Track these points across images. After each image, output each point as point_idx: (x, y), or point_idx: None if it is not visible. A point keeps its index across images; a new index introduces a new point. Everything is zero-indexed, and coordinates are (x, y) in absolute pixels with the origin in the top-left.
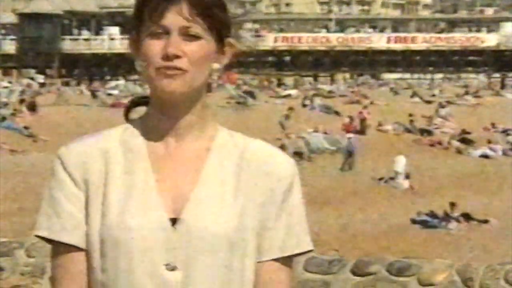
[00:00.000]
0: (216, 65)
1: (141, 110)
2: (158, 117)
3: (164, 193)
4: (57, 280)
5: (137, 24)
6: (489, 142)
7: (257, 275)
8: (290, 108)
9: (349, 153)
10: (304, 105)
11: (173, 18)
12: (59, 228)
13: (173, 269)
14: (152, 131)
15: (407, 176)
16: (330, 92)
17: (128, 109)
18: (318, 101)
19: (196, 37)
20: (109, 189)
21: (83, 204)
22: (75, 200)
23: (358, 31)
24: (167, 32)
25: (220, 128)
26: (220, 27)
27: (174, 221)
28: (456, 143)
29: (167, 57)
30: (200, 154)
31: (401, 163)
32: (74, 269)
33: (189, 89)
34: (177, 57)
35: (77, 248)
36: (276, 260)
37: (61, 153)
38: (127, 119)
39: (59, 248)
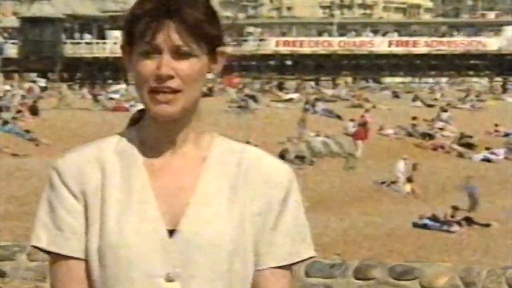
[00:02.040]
0: (209, 75)
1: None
2: (153, 128)
3: (161, 204)
4: None
5: (128, 39)
6: (491, 146)
7: (256, 283)
8: (305, 110)
9: (474, 201)
10: (306, 109)
11: (164, 38)
12: (59, 240)
13: (171, 280)
14: (148, 141)
15: (409, 180)
16: (332, 96)
17: (129, 126)
18: (320, 105)
19: (187, 55)
20: (106, 200)
21: (82, 215)
22: (73, 211)
23: (359, 35)
24: (158, 51)
25: (217, 136)
26: (211, 40)
27: (171, 232)
28: (457, 147)
29: (160, 78)
30: (196, 164)
31: (400, 168)
32: (74, 279)
33: (184, 111)
34: (170, 77)
35: (77, 259)
36: (275, 268)
37: (57, 165)
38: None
39: (59, 259)
